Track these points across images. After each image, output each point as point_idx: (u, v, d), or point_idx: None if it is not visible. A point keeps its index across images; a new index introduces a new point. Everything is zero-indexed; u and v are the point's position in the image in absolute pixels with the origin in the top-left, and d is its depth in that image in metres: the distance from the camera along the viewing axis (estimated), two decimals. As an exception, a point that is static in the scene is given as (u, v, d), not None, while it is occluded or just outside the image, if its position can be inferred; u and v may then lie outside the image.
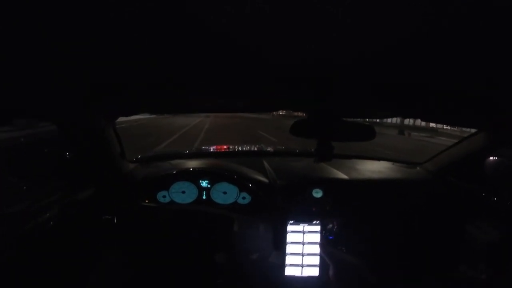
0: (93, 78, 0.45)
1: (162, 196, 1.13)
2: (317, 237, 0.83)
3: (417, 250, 1.15)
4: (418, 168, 1.41)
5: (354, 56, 0.32)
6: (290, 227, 0.82)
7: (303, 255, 0.79)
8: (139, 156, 1.42)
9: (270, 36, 0.27)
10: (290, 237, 0.82)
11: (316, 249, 0.79)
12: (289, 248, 0.82)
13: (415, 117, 0.83)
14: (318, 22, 0.23)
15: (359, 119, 0.82)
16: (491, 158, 1.19)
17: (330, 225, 0.94)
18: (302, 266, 0.79)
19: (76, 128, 0.92)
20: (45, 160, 1.01)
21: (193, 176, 1.14)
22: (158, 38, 0.27)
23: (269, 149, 1.64)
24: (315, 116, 0.73)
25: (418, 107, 0.66)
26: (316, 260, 0.79)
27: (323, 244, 0.68)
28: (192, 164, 1.22)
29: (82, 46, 0.28)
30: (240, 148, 1.67)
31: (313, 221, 0.83)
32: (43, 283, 0.84)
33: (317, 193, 1.08)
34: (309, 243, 0.81)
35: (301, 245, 0.81)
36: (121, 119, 1.13)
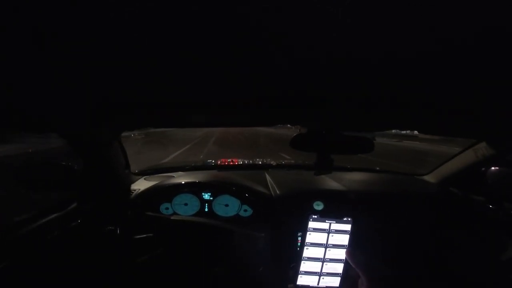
0: (101, 98, 0.47)
1: (165, 208, 1.15)
2: (345, 239, 0.65)
3: (418, 264, 1.14)
4: (419, 179, 1.40)
5: (350, 73, 0.33)
6: (312, 224, 0.66)
7: (323, 261, 0.65)
8: (143, 169, 1.45)
9: (269, 50, 0.28)
10: (309, 238, 0.66)
11: (341, 254, 0.65)
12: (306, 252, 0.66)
13: (412, 129, 0.84)
14: (314, 36, 0.24)
15: (357, 132, 0.83)
16: (493, 168, 1.19)
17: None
18: (320, 274, 0.65)
19: (83, 142, 0.94)
20: (52, 171, 1.03)
21: (196, 189, 1.16)
22: (162, 59, 0.29)
23: (270, 162, 1.65)
24: (314, 130, 0.75)
25: (417, 120, 0.68)
26: (339, 268, 0.65)
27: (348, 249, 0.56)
28: (195, 177, 1.24)
29: (91, 67, 0.30)
30: (242, 161, 1.69)
31: (343, 217, 0.65)
32: None
33: (318, 206, 1.08)
34: (333, 245, 0.66)
35: (323, 248, 0.66)
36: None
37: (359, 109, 0.56)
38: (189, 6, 0.20)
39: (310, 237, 0.66)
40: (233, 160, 1.71)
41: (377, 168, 1.61)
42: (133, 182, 1.26)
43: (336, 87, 0.41)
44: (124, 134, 1.06)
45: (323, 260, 0.65)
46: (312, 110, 0.58)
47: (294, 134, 0.76)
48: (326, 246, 0.65)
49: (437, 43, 0.24)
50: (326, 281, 0.64)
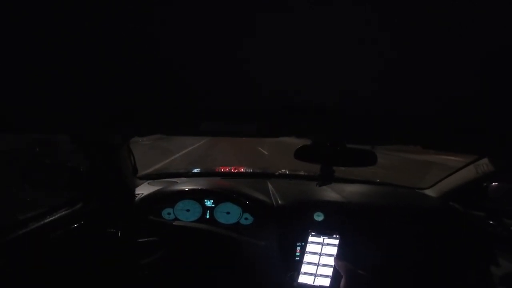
0: (111, 107, 0.48)
1: (167, 213, 1.15)
2: (334, 250, 0.85)
3: (417, 277, 1.14)
4: (420, 193, 1.41)
5: (356, 89, 0.34)
6: (311, 238, 0.87)
7: (318, 265, 0.83)
8: (147, 173, 1.45)
9: (276, 69, 0.28)
10: (308, 248, 0.86)
11: (331, 261, 0.82)
12: (306, 258, 0.85)
13: (416, 144, 0.85)
14: (320, 54, 0.24)
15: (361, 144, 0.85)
16: (494, 183, 1.19)
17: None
18: (315, 275, 0.82)
19: (93, 145, 0.95)
20: (58, 171, 1.04)
21: (198, 195, 1.16)
22: (172, 65, 0.30)
23: (273, 171, 1.66)
24: (318, 142, 0.77)
25: (420, 136, 0.69)
26: (329, 271, 0.83)
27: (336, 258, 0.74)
28: (198, 183, 1.24)
29: (104, 71, 0.31)
30: (245, 170, 1.69)
31: (332, 235, 0.86)
32: None
33: (319, 216, 1.09)
34: (326, 254, 0.85)
35: (318, 256, 0.85)
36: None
37: (364, 122, 0.57)
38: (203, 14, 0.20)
39: (309, 247, 0.86)
40: (236, 167, 1.72)
41: (378, 181, 1.62)
42: (136, 186, 1.26)
43: (342, 99, 0.42)
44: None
45: (317, 265, 0.83)
46: (318, 122, 0.60)
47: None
48: (320, 254, 0.84)
49: (441, 57, 0.24)
50: (320, 281, 0.81)
